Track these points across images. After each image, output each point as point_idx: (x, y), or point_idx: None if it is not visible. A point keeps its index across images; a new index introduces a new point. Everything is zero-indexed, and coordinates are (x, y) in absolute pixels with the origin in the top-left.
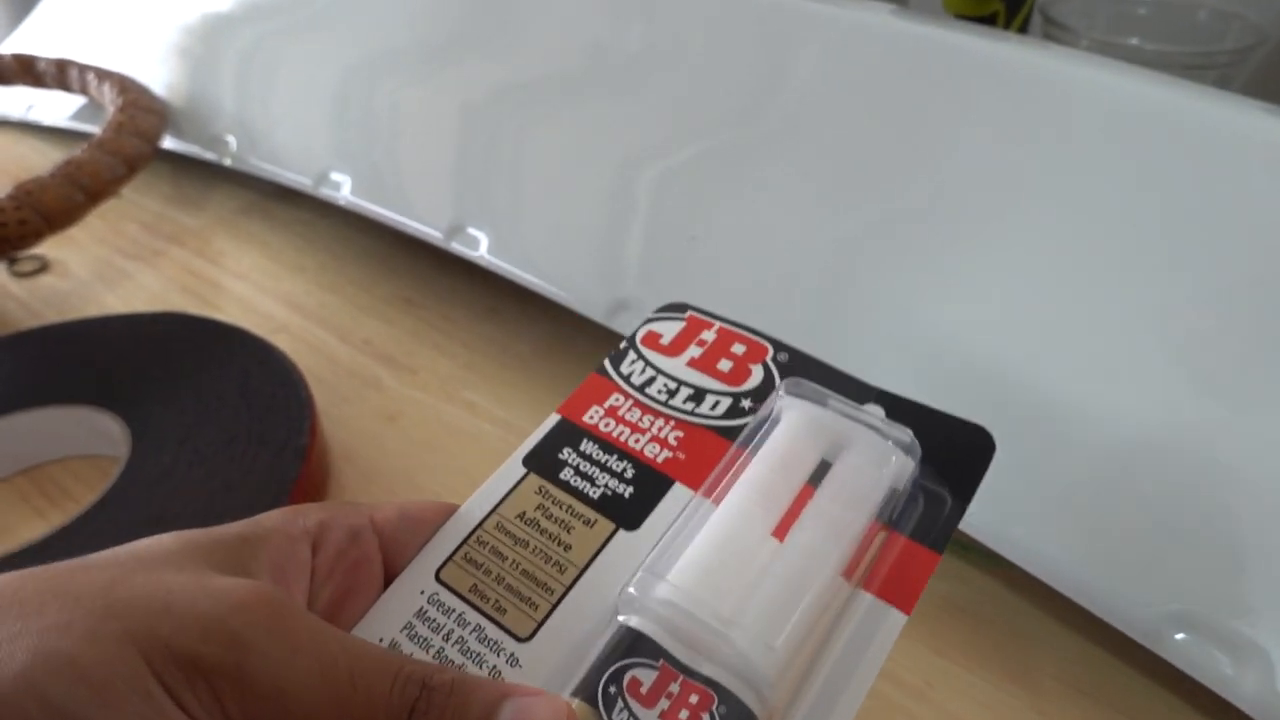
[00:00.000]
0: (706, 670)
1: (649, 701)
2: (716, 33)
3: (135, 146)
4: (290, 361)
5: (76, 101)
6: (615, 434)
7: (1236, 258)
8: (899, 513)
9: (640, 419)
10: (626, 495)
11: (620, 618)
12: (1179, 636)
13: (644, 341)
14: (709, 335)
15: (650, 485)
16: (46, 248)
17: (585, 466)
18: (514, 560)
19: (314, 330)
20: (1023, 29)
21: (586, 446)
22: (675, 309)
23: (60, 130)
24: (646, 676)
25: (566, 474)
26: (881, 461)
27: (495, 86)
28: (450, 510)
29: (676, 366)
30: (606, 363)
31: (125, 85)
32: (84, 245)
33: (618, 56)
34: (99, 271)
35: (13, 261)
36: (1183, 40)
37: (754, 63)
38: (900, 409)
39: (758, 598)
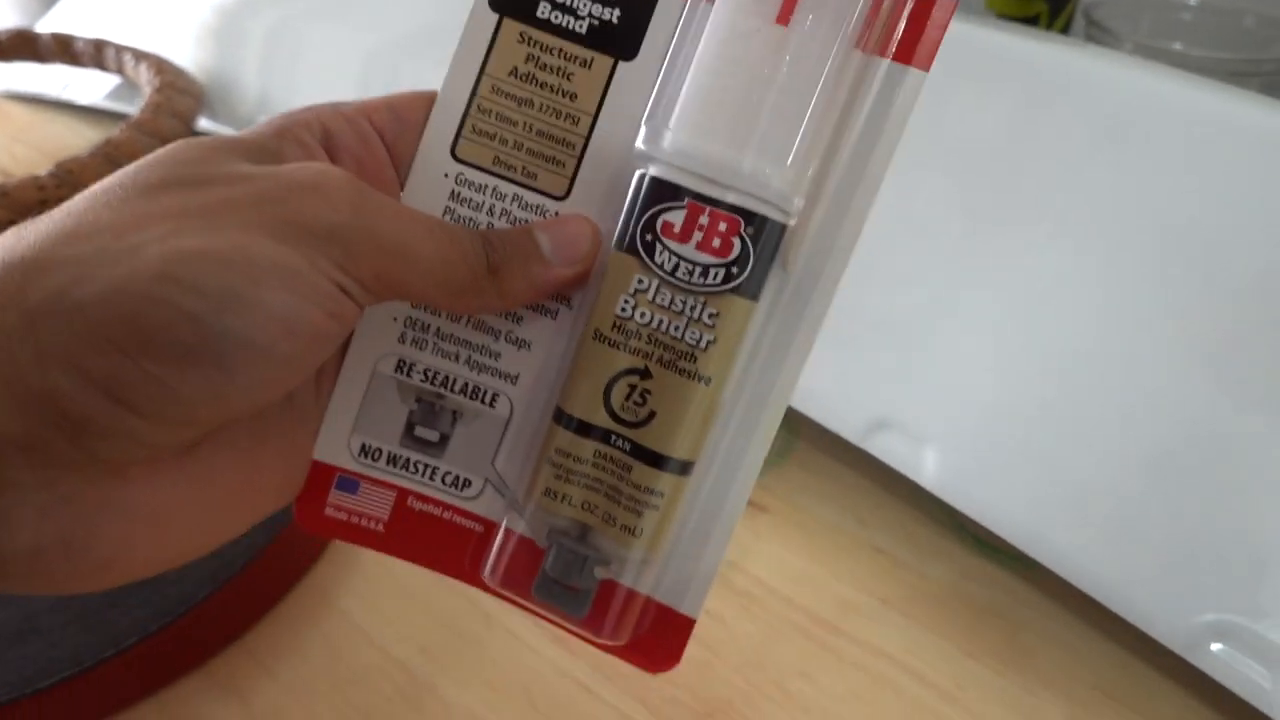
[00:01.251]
0: (730, 198)
1: (683, 238)
2: None
3: (171, 127)
4: None
5: (112, 81)
6: None
7: (1276, 263)
8: None
9: None
10: (615, 19)
11: (638, 171)
12: (1215, 647)
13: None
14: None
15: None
16: None
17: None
18: (525, 123)
19: None
20: (1065, 30)
21: None
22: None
23: (96, 110)
24: (676, 217)
25: (543, 10)
26: None
27: None
28: (434, 96)
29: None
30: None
31: (162, 67)
32: None
33: None
34: None
35: None
36: (1228, 46)
37: None
38: None
39: (766, 109)
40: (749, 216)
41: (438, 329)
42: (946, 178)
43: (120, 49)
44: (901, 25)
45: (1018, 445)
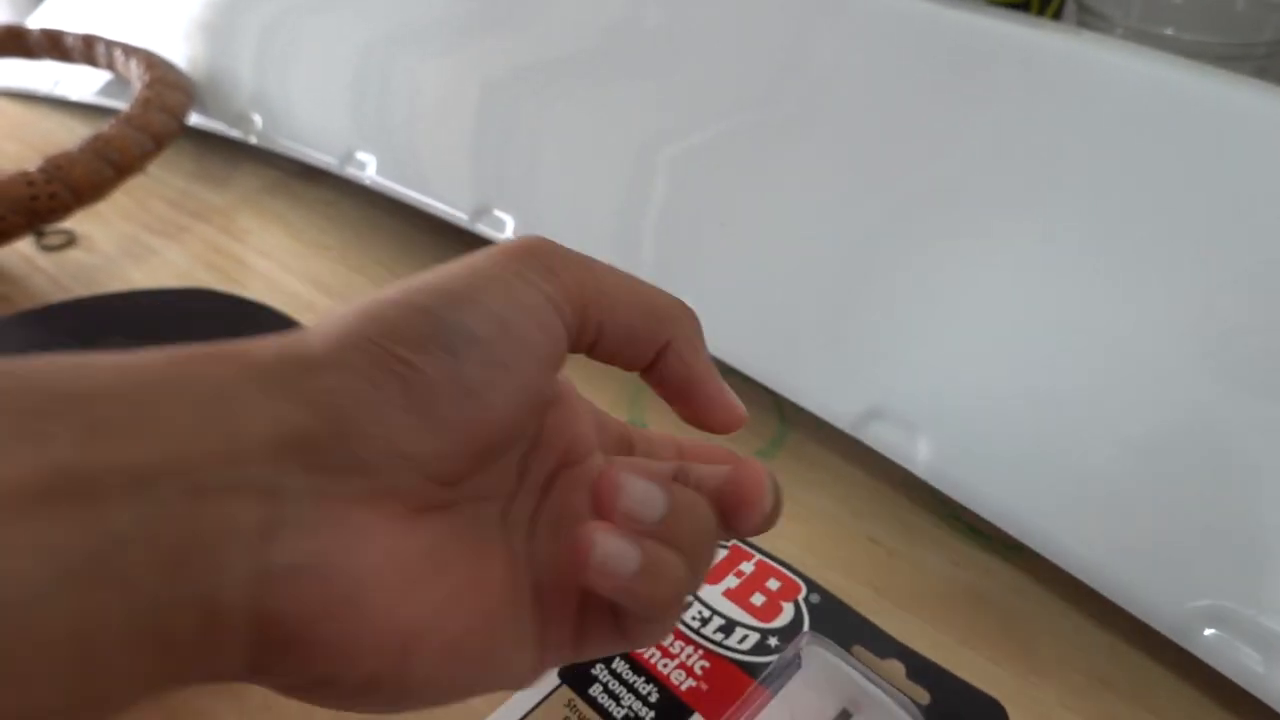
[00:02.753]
0: None
1: None
2: (742, 13)
3: (162, 122)
4: None
5: (103, 77)
6: (647, 655)
7: (1272, 249)
8: None
9: (671, 643)
10: (647, 718)
11: None
12: (1208, 632)
13: None
14: (748, 567)
15: (672, 713)
16: (74, 222)
17: (614, 685)
18: None
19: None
20: (1057, 14)
21: (618, 665)
22: None
23: (87, 106)
24: None
25: (596, 690)
26: None
27: (519, 67)
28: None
29: (713, 595)
30: None
31: (152, 61)
32: (110, 221)
33: (641, 37)
34: (125, 247)
35: (41, 235)
36: (1220, 30)
37: (779, 45)
38: (920, 668)
39: None
40: None
41: None
42: (937, 166)
43: (110, 44)
44: None
45: (1010, 432)
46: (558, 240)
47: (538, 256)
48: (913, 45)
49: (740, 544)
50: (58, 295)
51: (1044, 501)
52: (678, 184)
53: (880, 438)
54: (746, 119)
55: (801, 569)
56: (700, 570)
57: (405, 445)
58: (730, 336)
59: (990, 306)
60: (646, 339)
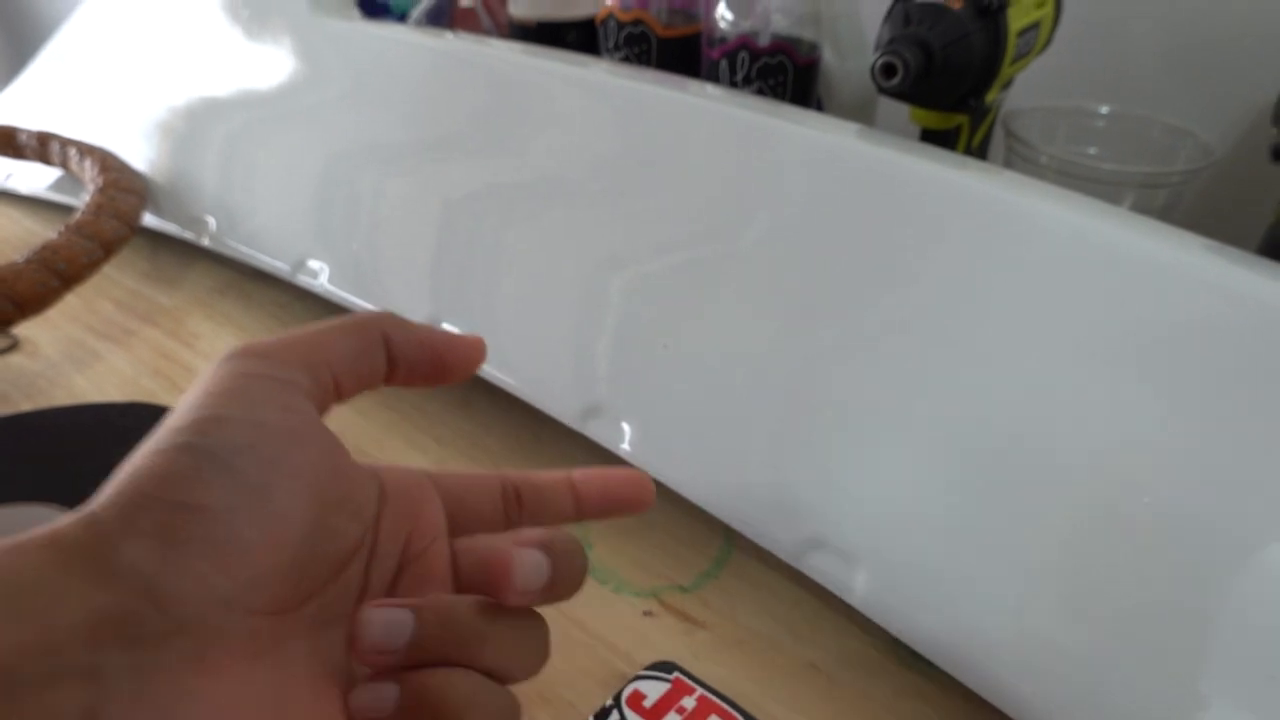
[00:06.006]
0: None
1: None
2: (692, 148)
3: (114, 229)
4: None
5: (56, 172)
6: None
7: (1181, 378)
8: None
9: None
10: None
11: None
12: None
13: (629, 702)
14: (689, 702)
15: None
16: (18, 326)
17: None
18: None
19: None
20: (985, 141)
21: None
22: (663, 668)
23: (37, 199)
24: None
25: None
26: None
27: (477, 186)
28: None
29: None
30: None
31: (106, 163)
32: (56, 323)
33: (598, 165)
34: (69, 352)
35: None
36: (1136, 159)
37: (728, 179)
38: None
39: None
40: None
41: None
42: (874, 300)
43: (65, 142)
44: None
45: (946, 565)
46: (509, 354)
47: (250, 352)
48: (848, 182)
49: (683, 678)
50: None
51: (978, 636)
52: (622, 307)
53: (819, 568)
54: (694, 251)
55: (741, 699)
56: (501, 660)
57: (218, 589)
58: (675, 463)
59: (926, 440)
60: (370, 348)
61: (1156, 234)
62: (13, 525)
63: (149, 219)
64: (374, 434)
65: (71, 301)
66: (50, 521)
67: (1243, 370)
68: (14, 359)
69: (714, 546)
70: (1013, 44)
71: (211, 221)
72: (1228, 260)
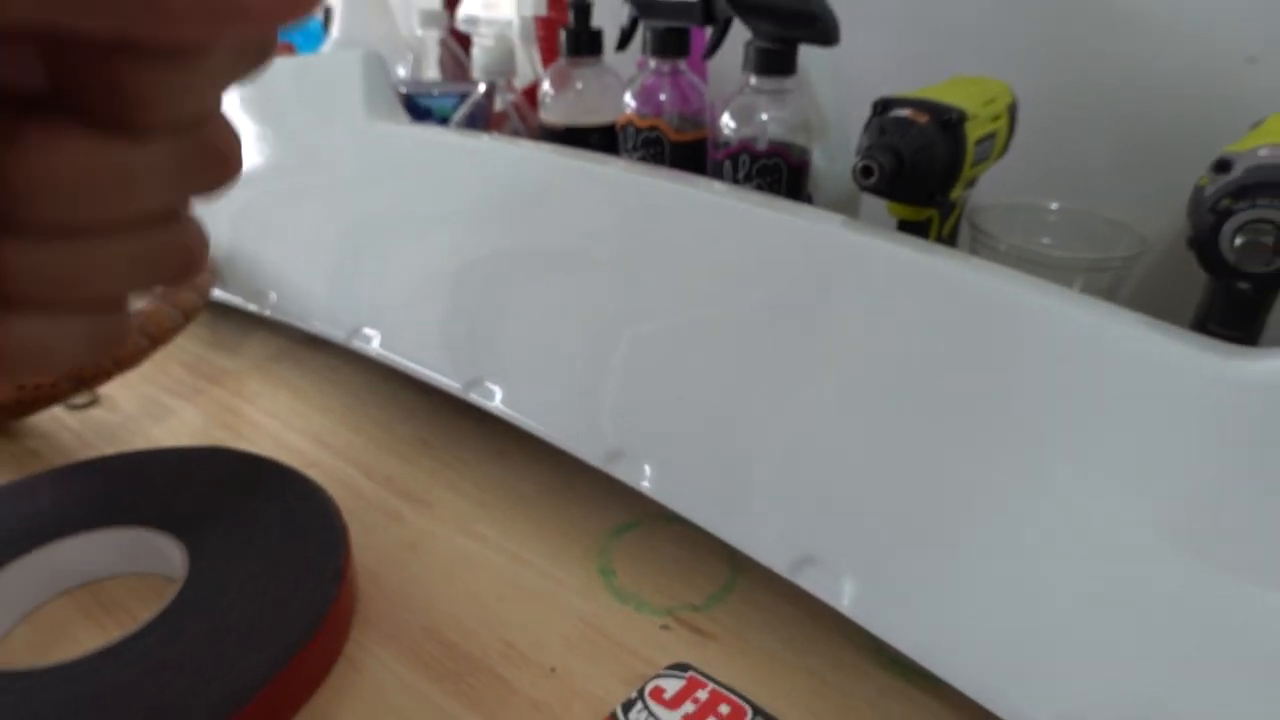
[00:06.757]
0: None
1: None
2: (699, 234)
3: (191, 300)
4: (326, 494)
5: None
6: None
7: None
8: None
9: None
10: None
11: None
12: None
13: (651, 695)
14: (702, 694)
15: None
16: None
17: None
18: None
19: (341, 466)
20: (954, 231)
21: None
22: (679, 668)
23: None
24: None
25: None
26: None
27: (513, 264)
28: None
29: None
30: (619, 710)
31: None
32: (132, 383)
33: (618, 250)
34: (145, 407)
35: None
36: (1084, 246)
37: (731, 261)
38: None
39: None
40: None
41: None
42: (851, 365)
43: None
44: None
45: (928, 575)
46: (541, 407)
47: None
48: (836, 265)
49: (696, 675)
50: (84, 452)
51: (957, 636)
52: (641, 362)
53: (811, 581)
54: (698, 320)
55: (746, 695)
56: None
57: None
58: (688, 497)
59: (905, 464)
60: None
61: (1097, 310)
62: (120, 545)
63: (216, 293)
64: (419, 478)
65: (145, 365)
66: (149, 544)
67: (1185, 435)
68: (95, 412)
69: (722, 574)
70: (971, 151)
71: (274, 295)
72: (1160, 334)
